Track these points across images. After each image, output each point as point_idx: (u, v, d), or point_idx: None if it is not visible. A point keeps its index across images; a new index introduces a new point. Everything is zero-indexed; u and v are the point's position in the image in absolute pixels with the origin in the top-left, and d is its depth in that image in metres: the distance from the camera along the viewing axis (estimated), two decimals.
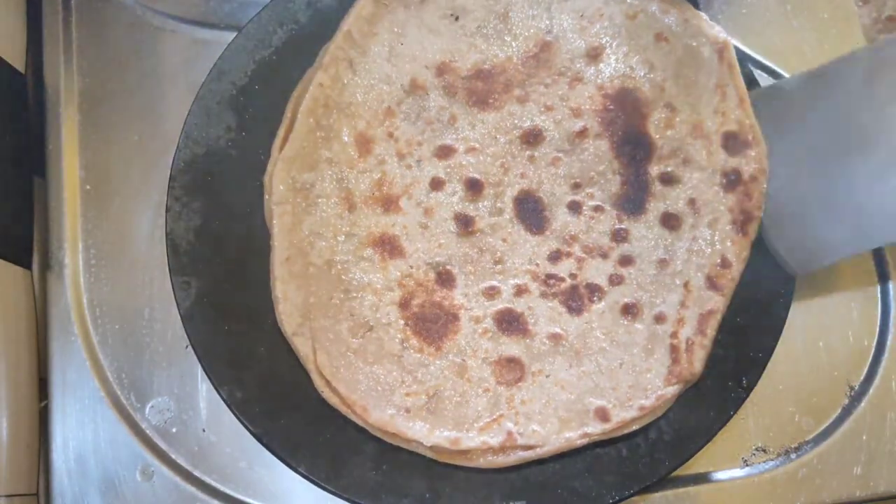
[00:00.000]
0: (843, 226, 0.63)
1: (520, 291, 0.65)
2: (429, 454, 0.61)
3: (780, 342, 0.64)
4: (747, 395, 0.63)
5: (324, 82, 0.66)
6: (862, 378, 0.72)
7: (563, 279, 0.65)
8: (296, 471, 0.59)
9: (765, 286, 0.65)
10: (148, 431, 0.67)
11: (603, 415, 0.61)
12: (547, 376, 0.63)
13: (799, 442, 0.70)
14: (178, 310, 0.61)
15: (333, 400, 0.61)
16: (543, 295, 0.65)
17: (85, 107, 0.74)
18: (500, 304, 0.65)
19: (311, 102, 0.66)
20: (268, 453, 0.59)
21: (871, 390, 0.71)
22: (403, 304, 0.64)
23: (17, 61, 0.74)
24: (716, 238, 0.65)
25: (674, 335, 0.63)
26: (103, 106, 0.74)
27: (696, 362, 0.62)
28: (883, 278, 0.74)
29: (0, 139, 0.70)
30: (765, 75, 0.79)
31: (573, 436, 0.60)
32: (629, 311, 0.64)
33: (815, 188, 0.64)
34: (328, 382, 0.61)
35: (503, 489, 0.61)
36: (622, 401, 0.61)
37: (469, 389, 0.62)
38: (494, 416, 0.61)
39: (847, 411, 0.71)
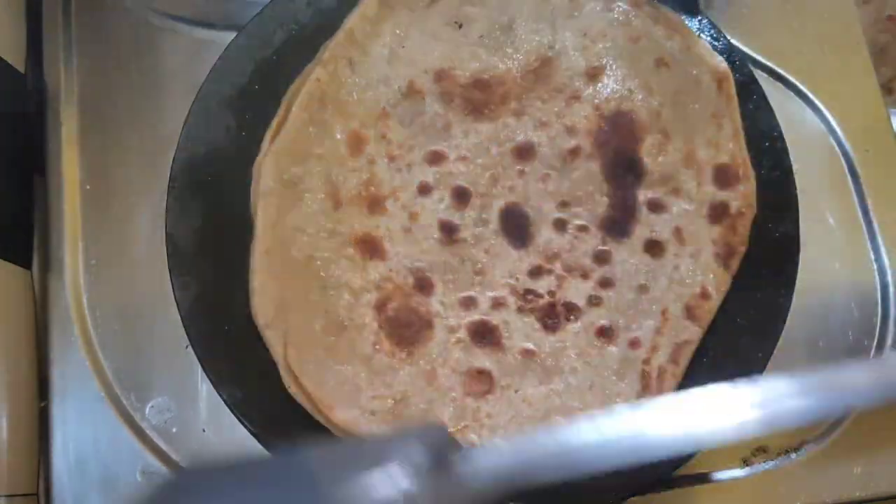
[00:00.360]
0: None
1: (497, 304, 0.64)
2: None
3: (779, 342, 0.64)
4: None
5: (321, 78, 0.66)
6: None
7: (541, 295, 0.65)
8: None
9: (764, 287, 0.65)
10: (148, 431, 0.67)
11: None
12: (516, 391, 0.62)
13: (799, 442, 0.70)
14: (178, 310, 0.61)
15: (300, 397, 0.60)
16: (520, 310, 0.64)
17: (85, 107, 0.74)
18: (475, 316, 0.64)
19: (307, 97, 0.65)
20: (268, 453, 0.59)
21: None
22: (379, 307, 0.63)
23: (17, 61, 0.74)
24: (698, 269, 0.65)
25: (646, 361, 0.63)
26: (103, 106, 0.74)
27: (667, 391, 0.61)
28: (883, 278, 0.74)
29: (0, 139, 0.70)
30: (765, 75, 0.79)
31: None
32: (604, 333, 0.64)
33: None
34: (296, 378, 0.60)
35: None
36: None
37: (436, 398, 0.62)
38: (459, 427, 0.61)
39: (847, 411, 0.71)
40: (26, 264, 0.70)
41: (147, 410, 0.68)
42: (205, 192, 0.65)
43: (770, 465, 0.69)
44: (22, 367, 0.67)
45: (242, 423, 0.59)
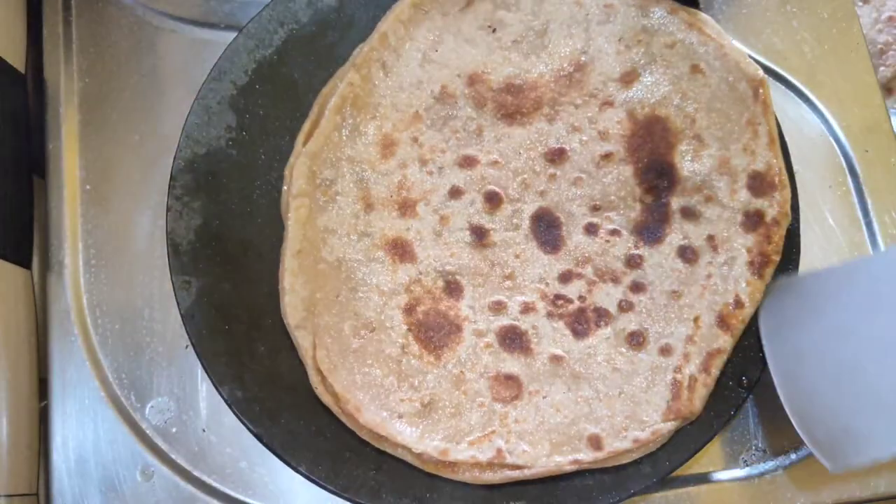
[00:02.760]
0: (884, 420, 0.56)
1: (526, 309, 0.64)
2: (415, 462, 0.60)
3: None
4: (748, 395, 0.63)
5: (354, 81, 0.67)
6: None
7: (571, 300, 0.65)
8: (296, 470, 0.59)
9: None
10: (148, 431, 0.67)
11: (596, 443, 0.60)
12: (544, 397, 0.62)
13: (799, 442, 0.69)
14: (179, 309, 0.61)
15: (326, 398, 0.61)
16: (550, 315, 0.64)
17: (85, 107, 0.74)
18: (504, 320, 0.64)
19: (340, 100, 0.66)
20: (268, 453, 0.59)
21: None
22: (408, 310, 0.64)
23: (17, 61, 0.74)
24: (731, 277, 0.64)
25: (678, 370, 0.62)
26: (103, 106, 0.74)
27: (697, 400, 0.61)
28: None
29: (0, 139, 0.70)
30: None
31: (563, 461, 0.60)
32: (634, 339, 0.64)
33: (853, 380, 0.57)
34: (324, 379, 0.61)
35: (503, 489, 0.61)
36: (617, 431, 0.61)
37: (464, 402, 0.62)
38: (486, 432, 0.61)
39: None
40: (26, 264, 0.70)
41: (147, 410, 0.68)
42: (205, 191, 0.65)
43: (770, 464, 0.69)
44: (22, 367, 0.67)
45: (243, 423, 0.59)
